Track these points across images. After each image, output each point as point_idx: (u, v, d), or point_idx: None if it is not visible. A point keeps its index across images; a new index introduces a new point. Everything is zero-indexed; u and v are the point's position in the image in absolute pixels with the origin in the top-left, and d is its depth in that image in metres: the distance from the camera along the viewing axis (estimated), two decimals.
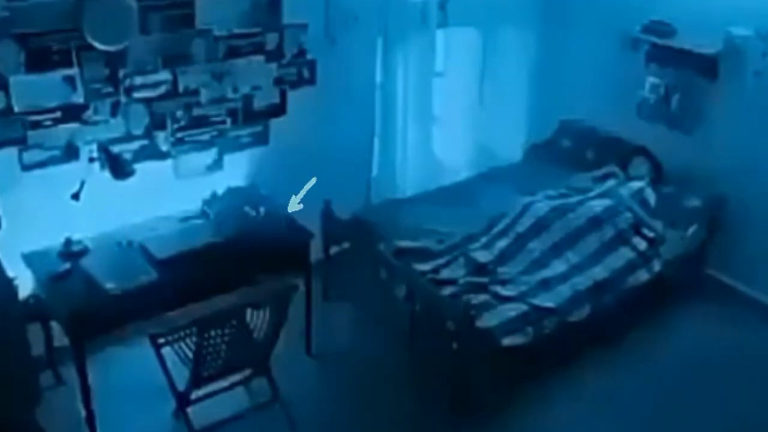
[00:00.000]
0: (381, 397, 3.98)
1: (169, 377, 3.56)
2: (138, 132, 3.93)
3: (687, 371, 4.25)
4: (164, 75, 3.91)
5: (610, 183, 4.85)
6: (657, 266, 4.39)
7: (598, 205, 4.50)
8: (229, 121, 4.24)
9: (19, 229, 3.56)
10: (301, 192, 4.45)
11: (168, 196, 4.04)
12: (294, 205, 4.35)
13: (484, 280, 4.05)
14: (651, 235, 4.46)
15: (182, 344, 3.49)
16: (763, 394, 4.11)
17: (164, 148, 4.05)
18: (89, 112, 3.74)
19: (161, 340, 3.53)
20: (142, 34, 3.74)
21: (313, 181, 4.51)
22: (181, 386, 3.53)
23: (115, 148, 3.79)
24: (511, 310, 3.84)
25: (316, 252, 4.21)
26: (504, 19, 5.27)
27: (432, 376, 4.02)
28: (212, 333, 3.27)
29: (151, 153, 4.00)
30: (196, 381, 3.45)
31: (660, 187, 4.84)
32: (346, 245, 4.55)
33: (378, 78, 4.85)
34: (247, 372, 3.71)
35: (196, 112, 4.10)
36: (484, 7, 5.13)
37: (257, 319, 3.41)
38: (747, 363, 4.33)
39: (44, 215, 3.64)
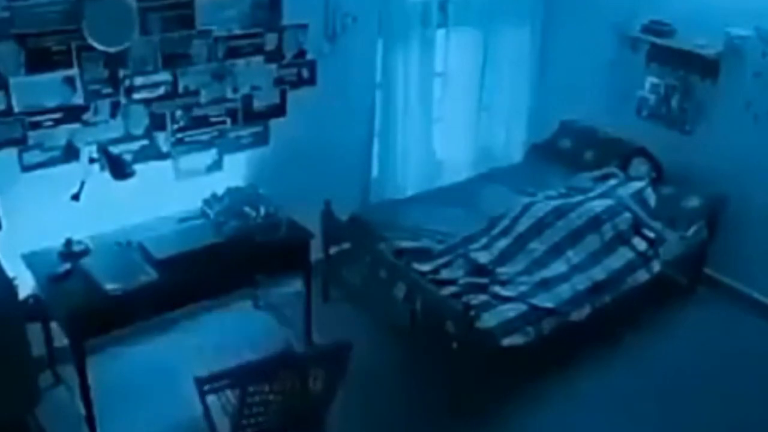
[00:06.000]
0: (380, 397, 3.99)
1: (212, 426, 3.23)
2: (138, 132, 3.94)
3: (687, 371, 4.26)
4: (164, 75, 3.91)
5: (610, 183, 4.84)
6: (657, 266, 4.38)
7: (598, 205, 4.50)
8: (229, 121, 4.24)
9: (19, 229, 3.57)
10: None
11: (168, 196, 4.04)
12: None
13: (484, 280, 4.04)
14: (651, 235, 4.46)
15: (227, 393, 3.21)
16: (762, 394, 4.11)
17: (164, 148, 4.05)
18: (89, 113, 3.73)
19: (206, 387, 3.23)
20: (142, 35, 3.74)
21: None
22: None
23: (115, 149, 3.79)
24: (511, 311, 3.83)
25: (316, 252, 4.20)
26: (504, 19, 5.27)
27: (432, 376, 4.02)
28: (253, 389, 2.97)
29: (151, 153, 4.00)
30: None
31: (660, 187, 4.84)
32: (346, 245, 4.55)
33: (378, 78, 4.85)
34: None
35: (196, 112, 4.10)
36: (484, 7, 5.13)
37: (310, 379, 3.11)
38: (747, 363, 4.33)
39: (44, 215, 3.64)
